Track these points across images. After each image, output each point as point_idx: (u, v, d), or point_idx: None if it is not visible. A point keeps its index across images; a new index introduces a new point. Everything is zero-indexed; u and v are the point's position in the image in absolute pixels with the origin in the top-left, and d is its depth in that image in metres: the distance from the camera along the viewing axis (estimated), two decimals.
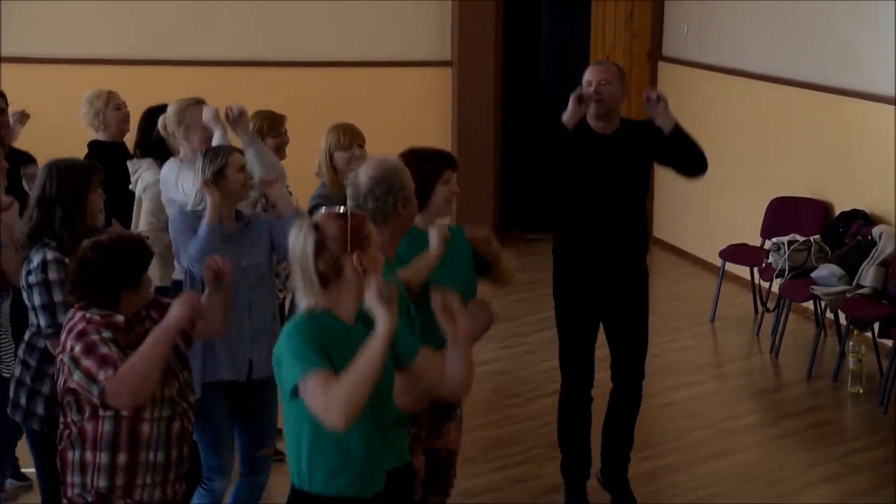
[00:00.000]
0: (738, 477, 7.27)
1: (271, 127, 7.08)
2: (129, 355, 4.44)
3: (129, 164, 7.01)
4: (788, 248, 9.24)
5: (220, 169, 5.74)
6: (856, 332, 8.57)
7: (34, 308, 5.19)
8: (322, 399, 3.87)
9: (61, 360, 4.53)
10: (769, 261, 9.45)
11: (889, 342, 8.45)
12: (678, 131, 6.50)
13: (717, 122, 11.46)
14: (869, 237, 8.84)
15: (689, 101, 11.91)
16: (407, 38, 12.35)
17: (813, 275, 8.92)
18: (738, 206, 10.98)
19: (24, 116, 8.08)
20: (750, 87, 10.97)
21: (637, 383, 6.70)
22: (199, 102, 6.52)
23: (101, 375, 4.40)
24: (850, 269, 8.72)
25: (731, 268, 10.33)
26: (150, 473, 4.61)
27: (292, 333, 4.03)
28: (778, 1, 10.55)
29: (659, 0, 12.41)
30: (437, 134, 12.11)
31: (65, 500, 4.67)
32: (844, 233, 9.27)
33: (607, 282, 6.54)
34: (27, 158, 7.17)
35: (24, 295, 5.26)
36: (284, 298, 6.91)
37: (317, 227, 3.99)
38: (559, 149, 6.46)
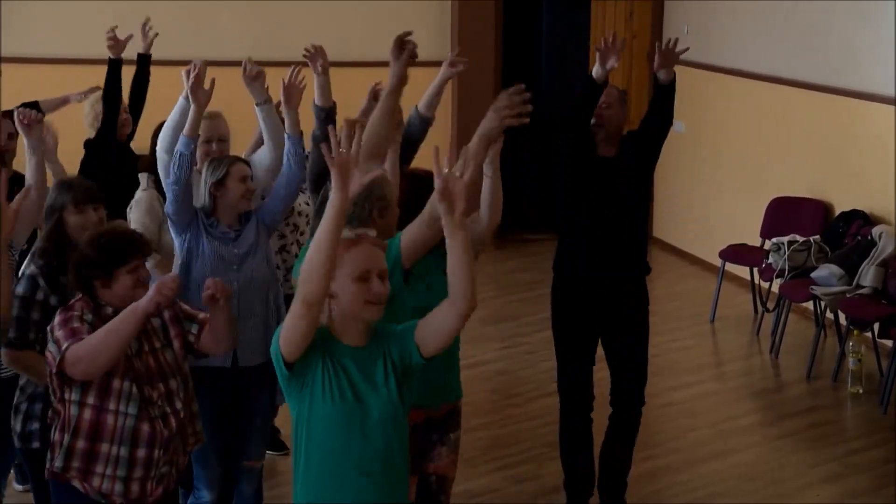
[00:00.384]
0: (737, 477, 7.27)
1: None
2: None
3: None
4: (788, 249, 9.24)
5: (220, 179, 5.80)
6: (856, 332, 8.58)
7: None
8: (291, 313, 3.95)
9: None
10: (769, 261, 9.46)
11: (889, 342, 8.46)
12: (672, 86, 6.46)
13: (716, 122, 11.49)
14: (869, 237, 8.86)
15: (689, 102, 11.91)
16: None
17: (813, 275, 8.93)
18: (738, 206, 10.99)
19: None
20: (750, 87, 10.98)
21: (637, 410, 6.69)
22: (214, 117, 6.58)
23: (65, 344, 4.48)
24: (850, 270, 8.73)
25: (731, 268, 10.34)
26: (110, 466, 4.62)
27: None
28: (778, 1, 10.55)
29: (659, 0, 12.43)
30: (436, 133, 11.94)
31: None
32: (844, 233, 9.28)
33: (607, 299, 6.51)
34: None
35: None
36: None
37: None
38: (559, 165, 6.53)
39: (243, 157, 6.46)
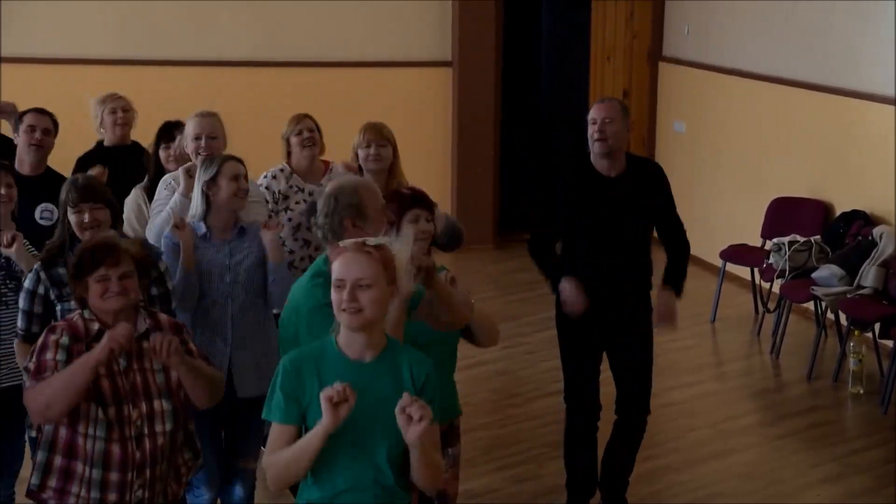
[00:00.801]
0: (738, 477, 7.28)
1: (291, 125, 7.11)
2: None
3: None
4: (789, 249, 9.25)
5: (213, 177, 5.78)
6: (856, 332, 8.58)
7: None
8: (265, 455, 4.09)
9: None
10: (770, 261, 9.46)
11: (890, 343, 8.47)
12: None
13: (717, 122, 11.49)
14: (869, 237, 8.86)
15: (690, 102, 11.95)
16: (407, 38, 12.36)
17: (813, 275, 8.94)
18: (739, 206, 11.00)
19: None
20: (750, 87, 10.98)
21: (642, 419, 6.69)
22: (208, 115, 6.62)
23: (27, 383, 4.52)
24: (851, 270, 8.74)
25: (732, 268, 10.34)
26: (84, 487, 4.58)
27: (278, 370, 4.15)
28: (778, 1, 10.56)
29: (659, 0, 12.43)
30: (437, 134, 12.14)
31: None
32: (845, 233, 9.27)
33: (611, 316, 6.49)
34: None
35: None
36: None
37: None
38: (558, 185, 6.50)
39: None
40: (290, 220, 6.75)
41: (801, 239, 9.32)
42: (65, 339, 4.54)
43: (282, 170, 6.96)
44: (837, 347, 8.99)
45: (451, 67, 12.33)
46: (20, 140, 7.10)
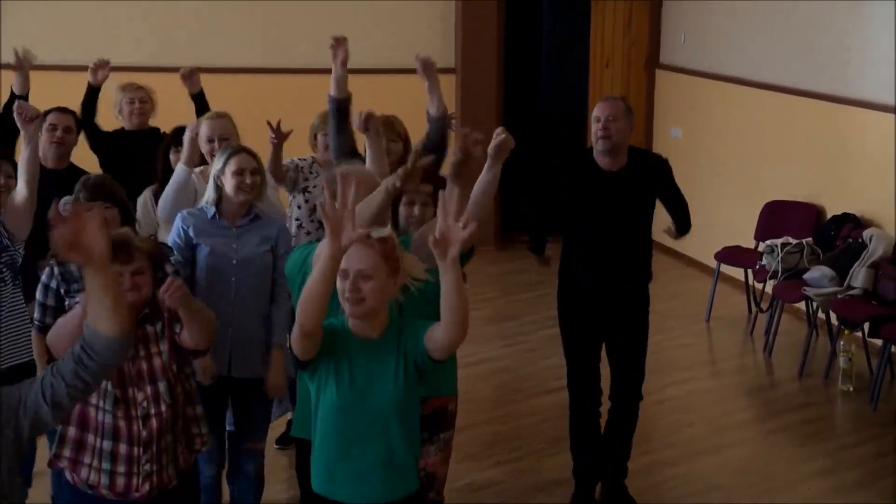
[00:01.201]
0: (732, 471, 7.28)
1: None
2: None
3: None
4: (781, 251, 9.24)
5: (220, 169, 5.82)
6: (846, 331, 8.59)
7: None
8: (294, 331, 4.07)
9: None
10: (763, 262, 9.45)
11: (879, 342, 8.43)
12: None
13: (712, 127, 11.49)
14: (860, 240, 8.86)
15: (686, 108, 11.96)
16: (412, 46, 12.30)
17: (805, 276, 8.94)
18: (733, 209, 11.00)
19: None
20: (744, 93, 10.99)
21: (635, 405, 6.72)
22: (221, 116, 6.68)
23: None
24: (841, 271, 8.74)
25: (726, 269, 10.35)
26: (95, 457, 4.62)
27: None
28: (771, 11, 10.57)
29: (656, 7, 12.45)
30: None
31: None
32: (836, 236, 9.27)
33: (610, 305, 6.55)
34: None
35: None
36: None
37: None
38: (561, 180, 6.55)
39: None
40: (307, 201, 6.85)
41: (794, 241, 9.32)
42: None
43: (305, 159, 7.05)
44: (828, 346, 8.99)
45: (454, 74, 12.32)
46: (43, 137, 7.15)
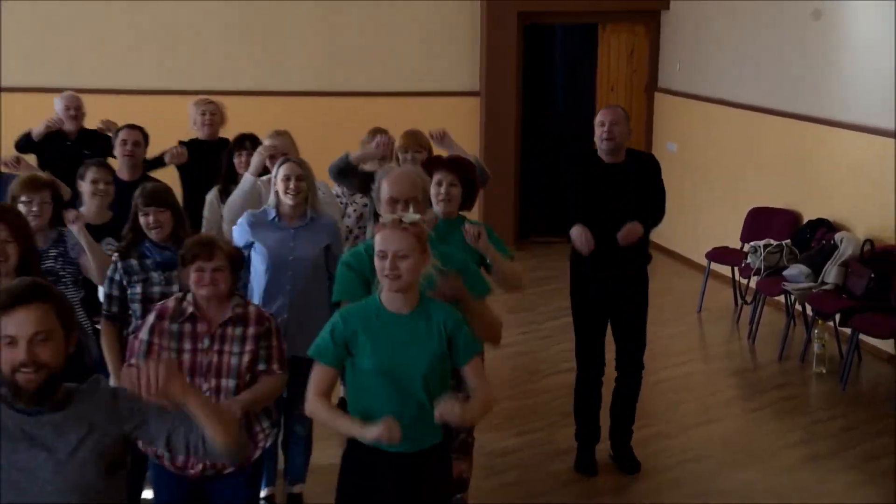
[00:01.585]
0: (720, 442, 7.28)
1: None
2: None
3: None
4: (764, 251, 9.22)
5: (275, 174, 5.90)
6: (820, 321, 8.57)
7: None
8: (309, 391, 4.21)
9: None
10: (747, 261, 9.42)
11: (848, 330, 8.41)
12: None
13: (703, 142, 11.47)
14: (832, 242, 8.83)
15: (680, 125, 11.94)
16: (443, 72, 12.35)
17: (784, 273, 8.92)
18: (722, 214, 10.96)
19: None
20: (731, 114, 10.96)
21: (638, 373, 6.74)
22: (281, 134, 6.73)
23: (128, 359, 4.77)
24: (816, 269, 8.73)
25: (715, 267, 10.31)
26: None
27: (332, 319, 4.22)
28: (753, 43, 10.54)
29: (655, 39, 12.42)
30: (467, 152, 12.13)
31: None
32: (811, 238, 9.24)
33: (614, 285, 6.55)
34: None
35: None
36: None
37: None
38: (569, 175, 6.56)
39: None
40: (354, 210, 6.95)
41: (774, 242, 9.30)
42: (151, 318, 4.63)
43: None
44: (804, 334, 8.99)
45: (478, 97, 12.34)
46: (117, 150, 7.24)
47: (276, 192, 5.87)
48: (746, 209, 10.21)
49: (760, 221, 9.99)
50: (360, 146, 7.27)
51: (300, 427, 6.07)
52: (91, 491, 3.22)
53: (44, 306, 3.18)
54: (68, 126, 8.30)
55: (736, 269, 9.95)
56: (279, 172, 5.87)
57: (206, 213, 6.96)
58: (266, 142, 6.70)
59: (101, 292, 5.52)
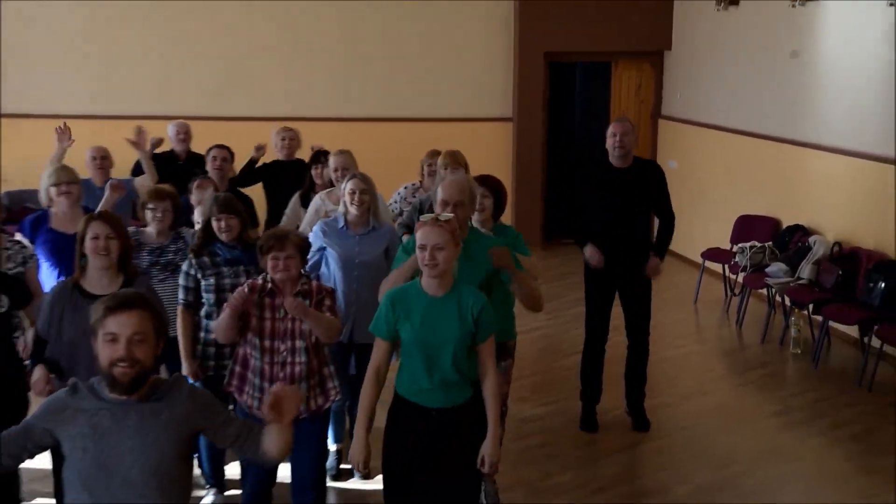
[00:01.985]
0: (713, 410, 7.27)
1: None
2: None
3: None
4: (750, 251, 9.21)
5: (343, 189, 5.86)
6: (796, 310, 8.59)
7: None
8: (369, 366, 4.24)
9: None
10: (736, 260, 9.41)
11: (820, 318, 8.38)
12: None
13: (699, 160, 11.41)
14: (807, 244, 8.82)
15: (680, 147, 11.89)
16: (479, 100, 12.27)
17: (767, 270, 8.92)
18: (714, 220, 10.90)
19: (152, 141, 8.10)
20: (722, 137, 10.91)
21: (645, 340, 6.74)
22: (344, 153, 6.73)
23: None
24: (793, 266, 8.72)
25: (709, 265, 10.27)
26: (250, 388, 4.70)
27: (383, 300, 4.26)
28: (742, 77, 10.48)
29: (659, 74, 12.40)
30: (501, 171, 11.86)
31: None
32: (789, 240, 9.21)
33: (622, 269, 6.57)
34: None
35: None
36: None
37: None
38: (584, 184, 6.59)
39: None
40: (400, 215, 6.92)
41: (758, 244, 9.29)
42: (245, 288, 4.62)
43: (413, 184, 7.18)
44: (783, 321, 8.97)
45: (511, 122, 12.31)
46: (208, 166, 7.30)
47: (344, 203, 5.83)
48: (735, 216, 10.18)
49: (747, 226, 9.96)
50: (420, 166, 7.28)
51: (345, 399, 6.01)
52: (169, 475, 3.22)
53: (143, 313, 3.17)
54: (177, 148, 8.34)
55: (726, 266, 9.90)
56: (346, 186, 5.78)
57: (287, 211, 7.10)
58: (331, 159, 6.68)
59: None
